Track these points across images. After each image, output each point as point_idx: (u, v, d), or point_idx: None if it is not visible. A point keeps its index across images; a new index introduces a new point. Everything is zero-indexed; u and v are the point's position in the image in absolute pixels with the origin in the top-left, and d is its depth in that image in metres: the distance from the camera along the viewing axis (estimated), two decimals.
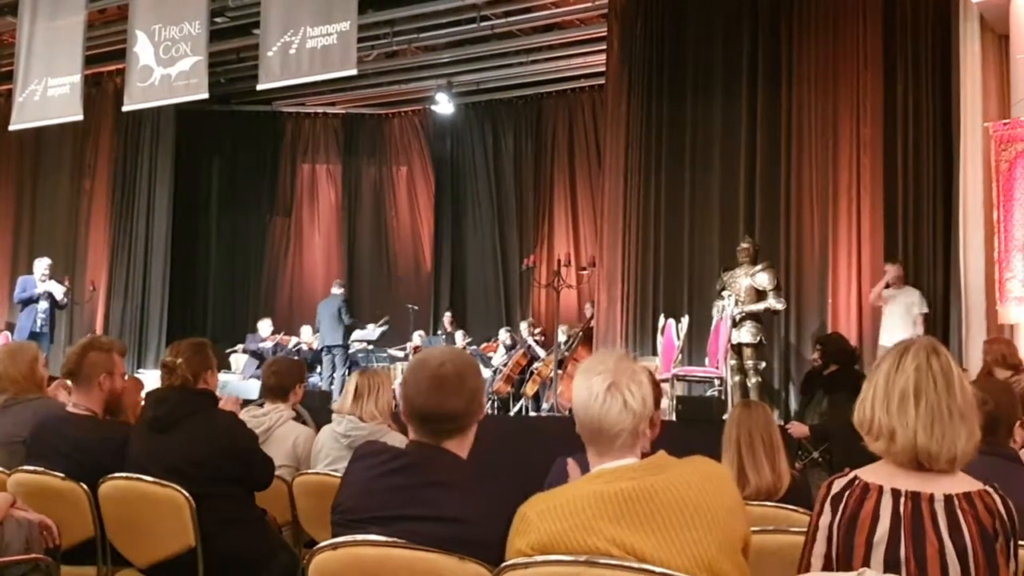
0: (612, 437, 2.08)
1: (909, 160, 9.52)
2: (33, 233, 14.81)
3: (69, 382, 3.88)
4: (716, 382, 9.09)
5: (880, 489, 2.07)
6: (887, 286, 8.64)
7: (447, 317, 14.28)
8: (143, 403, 3.81)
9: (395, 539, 2.23)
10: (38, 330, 11.07)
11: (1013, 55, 7.46)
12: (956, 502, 2.02)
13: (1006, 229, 7.23)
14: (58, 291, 11.21)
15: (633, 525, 1.95)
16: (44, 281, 11.28)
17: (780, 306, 9.47)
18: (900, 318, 8.54)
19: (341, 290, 12.51)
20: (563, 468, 2.51)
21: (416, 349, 13.02)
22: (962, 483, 2.06)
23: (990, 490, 2.07)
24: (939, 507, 2.02)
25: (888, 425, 2.08)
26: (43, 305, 11.20)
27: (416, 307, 13.96)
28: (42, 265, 11.39)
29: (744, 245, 9.68)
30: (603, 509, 1.97)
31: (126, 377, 4.12)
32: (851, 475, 2.14)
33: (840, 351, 6.76)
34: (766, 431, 3.63)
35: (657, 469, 2.04)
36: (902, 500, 2.04)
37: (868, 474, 2.12)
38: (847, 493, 2.11)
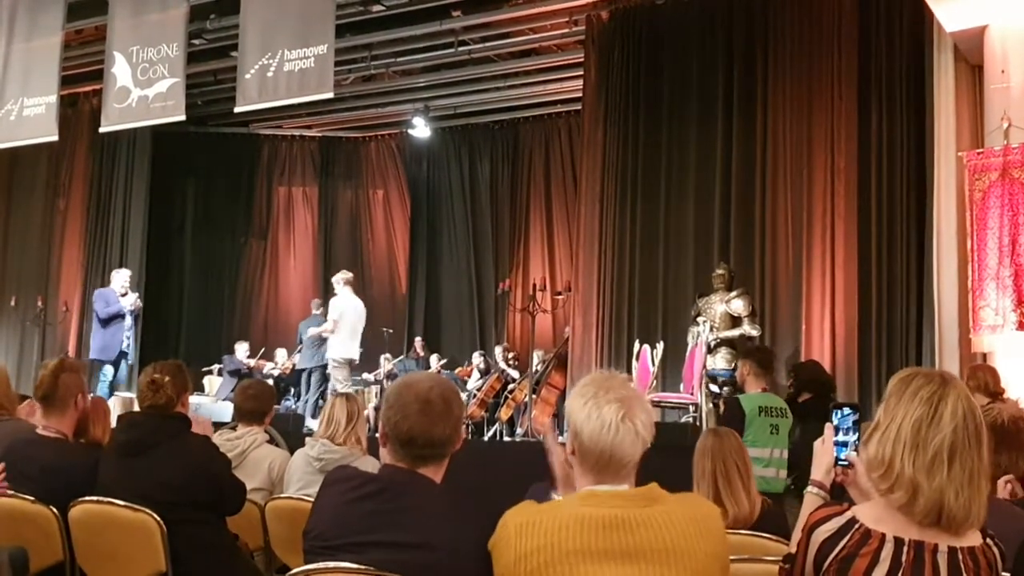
0: (622, 466, 2.08)
1: (883, 188, 9.59)
2: (6, 252, 14.70)
3: (40, 406, 3.84)
4: (691, 408, 9.10)
5: (883, 537, 1.98)
6: None
7: (418, 341, 14.21)
8: (115, 426, 3.78)
9: (367, 567, 2.21)
10: (124, 349, 10.51)
11: (987, 85, 7.56)
12: (960, 556, 1.97)
13: (979, 258, 7.28)
14: (136, 305, 10.74)
15: (606, 555, 1.94)
16: (124, 295, 10.72)
17: (755, 332, 9.50)
18: None
19: (320, 310, 12.41)
20: (538, 493, 2.51)
21: (390, 373, 12.97)
22: (966, 536, 2.00)
23: (991, 543, 2.03)
24: (942, 559, 1.96)
25: (912, 479, 1.97)
26: (128, 321, 10.60)
27: (391, 330, 13.91)
28: (122, 277, 10.88)
29: (719, 271, 9.73)
30: (581, 534, 1.96)
31: (91, 397, 4.09)
32: (848, 515, 2.05)
33: (812, 380, 6.75)
34: (740, 458, 3.62)
35: (646, 501, 2.04)
36: (904, 549, 1.97)
37: (869, 518, 2.03)
38: (845, 537, 2.02)
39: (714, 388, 9.17)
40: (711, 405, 9.10)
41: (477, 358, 13.38)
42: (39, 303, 12.97)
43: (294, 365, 12.75)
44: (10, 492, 3.43)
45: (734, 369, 9.24)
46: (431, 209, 15.83)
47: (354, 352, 10.71)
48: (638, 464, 2.11)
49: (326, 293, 15.24)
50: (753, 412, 5.77)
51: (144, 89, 8.98)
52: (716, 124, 10.57)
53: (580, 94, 11.94)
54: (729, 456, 3.60)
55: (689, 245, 10.70)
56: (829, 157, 9.85)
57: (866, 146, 9.71)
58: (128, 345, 10.61)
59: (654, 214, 10.89)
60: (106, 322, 10.61)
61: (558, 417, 11.50)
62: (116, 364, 10.52)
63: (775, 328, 10.06)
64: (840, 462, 2.62)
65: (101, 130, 9.82)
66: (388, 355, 13.33)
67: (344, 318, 10.53)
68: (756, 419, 5.82)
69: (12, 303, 13.60)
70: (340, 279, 10.89)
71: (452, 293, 15.57)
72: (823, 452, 2.57)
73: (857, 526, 2.02)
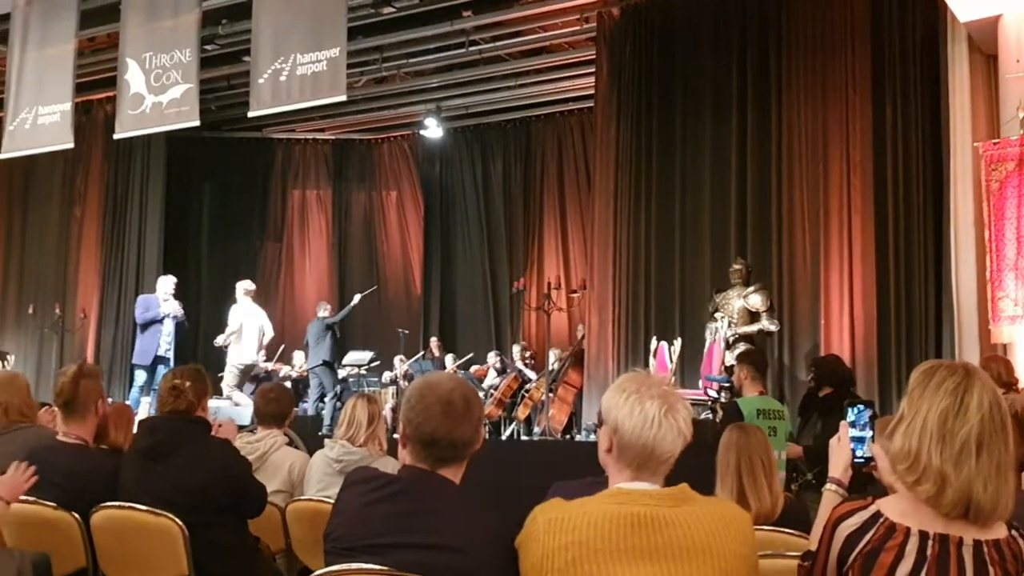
0: (662, 462, 2.09)
1: (899, 181, 9.55)
2: (23, 260, 14.79)
3: (61, 412, 3.85)
4: (709, 404, 9.06)
5: (907, 531, 1.97)
6: None
7: (433, 341, 14.22)
8: (136, 431, 3.79)
9: (388, 568, 2.20)
10: (162, 354, 10.54)
11: (1001, 75, 7.50)
12: (985, 549, 1.95)
13: (997, 248, 7.24)
14: (178, 311, 10.79)
15: (635, 553, 1.94)
16: (167, 301, 10.76)
17: (773, 327, 9.47)
18: None
19: (326, 311, 12.45)
20: (560, 492, 2.50)
21: (406, 374, 12.98)
22: (991, 529, 1.99)
23: (1016, 535, 2.01)
24: (967, 552, 1.94)
25: (940, 470, 1.96)
26: (168, 327, 10.63)
27: (406, 331, 13.92)
28: (167, 283, 10.93)
29: (736, 266, 9.69)
30: (610, 531, 1.96)
31: (111, 403, 4.11)
32: (873, 509, 2.04)
33: (833, 373, 6.72)
34: (764, 454, 3.61)
35: (675, 501, 2.04)
36: (929, 542, 1.95)
37: (894, 512, 2.01)
38: (870, 531, 2.00)
39: (712, 393, 9.11)
40: (708, 410, 9.01)
41: (493, 358, 13.37)
42: (57, 310, 13.04)
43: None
44: (32, 499, 3.44)
45: (730, 374, 9.23)
46: (444, 209, 15.84)
47: (252, 358, 11.03)
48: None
49: (341, 295, 15.32)
50: (751, 415, 5.76)
51: (158, 95, 8.99)
52: (730, 118, 10.54)
53: (592, 91, 11.94)
54: (755, 451, 3.59)
55: (705, 240, 10.67)
56: (844, 150, 9.82)
57: (881, 139, 9.67)
58: (167, 350, 10.63)
59: (669, 210, 10.87)
60: (144, 327, 10.69)
61: (576, 416, 11.49)
62: (153, 368, 10.58)
63: (793, 323, 10.03)
64: (858, 459, 2.60)
65: (116, 137, 9.83)
66: (402, 356, 13.33)
67: (244, 327, 10.92)
68: (755, 422, 5.81)
69: (30, 311, 13.68)
70: (241, 289, 11.21)
71: (467, 293, 15.58)
72: (840, 449, 2.56)
73: (882, 520, 2.00)
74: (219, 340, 10.89)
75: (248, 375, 11.45)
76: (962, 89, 7.96)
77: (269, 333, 11.27)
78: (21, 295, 14.55)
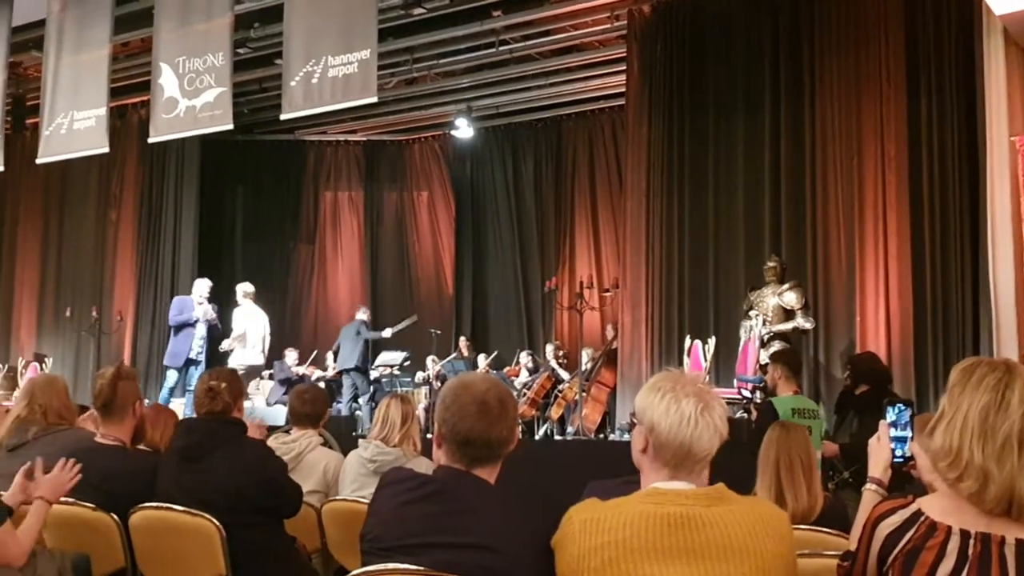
0: (698, 461, 2.08)
1: (935, 175, 9.44)
2: (60, 264, 14.99)
3: (99, 414, 3.90)
4: (743, 403, 9.00)
5: (949, 530, 1.94)
6: None
7: (463, 341, 14.23)
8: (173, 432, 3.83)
9: (424, 568, 2.20)
10: (194, 357, 10.60)
11: None
12: None
13: None
14: (211, 315, 10.83)
15: (671, 553, 1.93)
16: (201, 304, 10.80)
17: (809, 325, 9.39)
18: None
19: (365, 315, 12.56)
20: (596, 492, 2.50)
21: (439, 374, 13.01)
22: None
23: None
24: (1009, 552, 1.91)
25: (983, 466, 1.93)
26: (201, 330, 10.68)
27: (438, 332, 13.96)
28: (203, 286, 10.97)
29: (771, 264, 9.61)
30: (646, 531, 1.95)
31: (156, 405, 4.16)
32: (913, 508, 2.02)
33: (869, 371, 6.66)
34: (805, 453, 3.59)
35: (712, 501, 2.02)
36: (971, 542, 1.92)
37: (935, 511, 1.99)
38: (910, 530, 1.98)
39: (745, 393, 9.05)
40: (743, 409, 8.95)
41: (525, 357, 13.37)
42: (94, 313, 13.19)
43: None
44: (71, 500, 3.48)
45: (764, 373, 9.16)
46: (476, 209, 15.86)
47: (258, 360, 10.99)
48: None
49: (374, 296, 15.40)
50: (787, 415, 5.73)
51: (191, 99, 9.05)
52: (763, 114, 10.47)
53: (623, 89, 11.89)
54: (794, 449, 3.58)
55: (739, 238, 10.61)
56: (879, 145, 9.72)
57: (916, 133, 9.56)
58: (199, 353, 10.67)
59: (702, 207, 10.81)
60: (177, 329, 10.76)
61: (610, 415, 11.47)
62: (185, 371, 10.68)
63: (829, 320, 9.94)
64: (897, 458, 2.57)
65: (150, 141, 9.91)
66: (434, 356, 13.36)
67: (248, 330, 10.90)
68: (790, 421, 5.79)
69: (67, 314, 13.84)
70: (241, 292, 11.19)
71: (499, 293, 15.58)
72: (879, 449, 2.53)
73: (923, 519, 1.98)
74: (224, 345, 10.96)
75: (252, 378, 11.45)
76: (998, 82, 7.85)
77: (267, 338, 11.25)
78: (58, 298, 14.73)
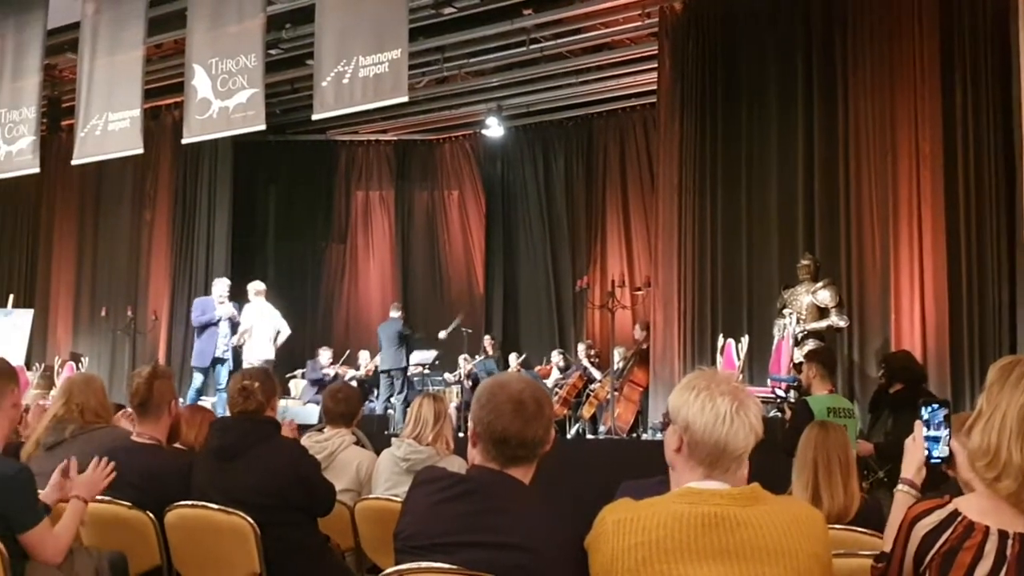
0: (733, 459, 2.07)
1: (970, 171, 9.31)
2: (95, 264, 15.14)
3: (135, 413, 3.93)
4: (777, 402, 8.94)
5: (986, 530, 1.92)
6: None
7: (487, 340, 14.20)
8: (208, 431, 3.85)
9: (458, 567, 2.20)
10: (220, 355, 10.74)
11: None
12: None
13: None
14: (234, 313, 10.93)
15: (705, 553, 1.92)
16: (222, 303, 10.95)
17: (843, 323, 9.31)
18: None
19: (399, 312, 12.62)
20: (629, 492, 2.49)
21: (470, 373, 13.01)
22: None
23: None
24: None
25: (1021, 467, 1.91)
26: (224, 328, 10.81)
27: (469, 331, 13.97)
28: (222, 286, 11.12)
29: (804, 262, 9.53)
30: (680, 531, 1.94)
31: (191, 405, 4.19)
32: (950, 508, 2.00)
33: (904, 369, 6.60)
34: (843, 452, 3.57)
35: (747, 501, 2.01)
36: (1009, 542, 1.90)
37: (972, 511, 1.97)
38: (947, 530, 1.96)
39: (779, 392, 8.97)
40: (777, 408, 8.88)
41: (556, 356, 13.35)
42: (129, 313, 13.32)
43: (376, 367, 12.90)
44: (108, 498, 3.51)
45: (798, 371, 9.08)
46: (506, 208, 15.86)
47: (269, 354, 10.95)
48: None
49: (405, 295, 15.42)
50: (822, 414, 5.67)
51: (224, 100, 9.11)
52: (796, 111, 10.38)
53: (655, 87, 11.86)
54: (833, 449, 3.55)
55: (772, 235, 10.52)
56: (913, 141, 9.61)
57: (951, 128, 9.43)
58: (225, 351, 10.79)
59: (735, 205, 10.74)
60: (201, 329, 10.89)
61: (642, 415, 11.43)
62: (212, 370, 10.79)
63: (863, 318, 9.85)
64: (933, 459, 2.53)
65: (184, 141, 9.99)
66: (466, 355, 13.38)
67: (255, 326, 10.95)
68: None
69: (103, 313, 13.97)
70: (252, 290, 11.29)
71: (530, 291, 15.56)
72: (914, 449, 2.51)
73: (960, 519, 1.96)
74: (233, 340, 11.04)
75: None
76: None
77: (285, 332, 11.25)
78: (94, 298, 14.88)
